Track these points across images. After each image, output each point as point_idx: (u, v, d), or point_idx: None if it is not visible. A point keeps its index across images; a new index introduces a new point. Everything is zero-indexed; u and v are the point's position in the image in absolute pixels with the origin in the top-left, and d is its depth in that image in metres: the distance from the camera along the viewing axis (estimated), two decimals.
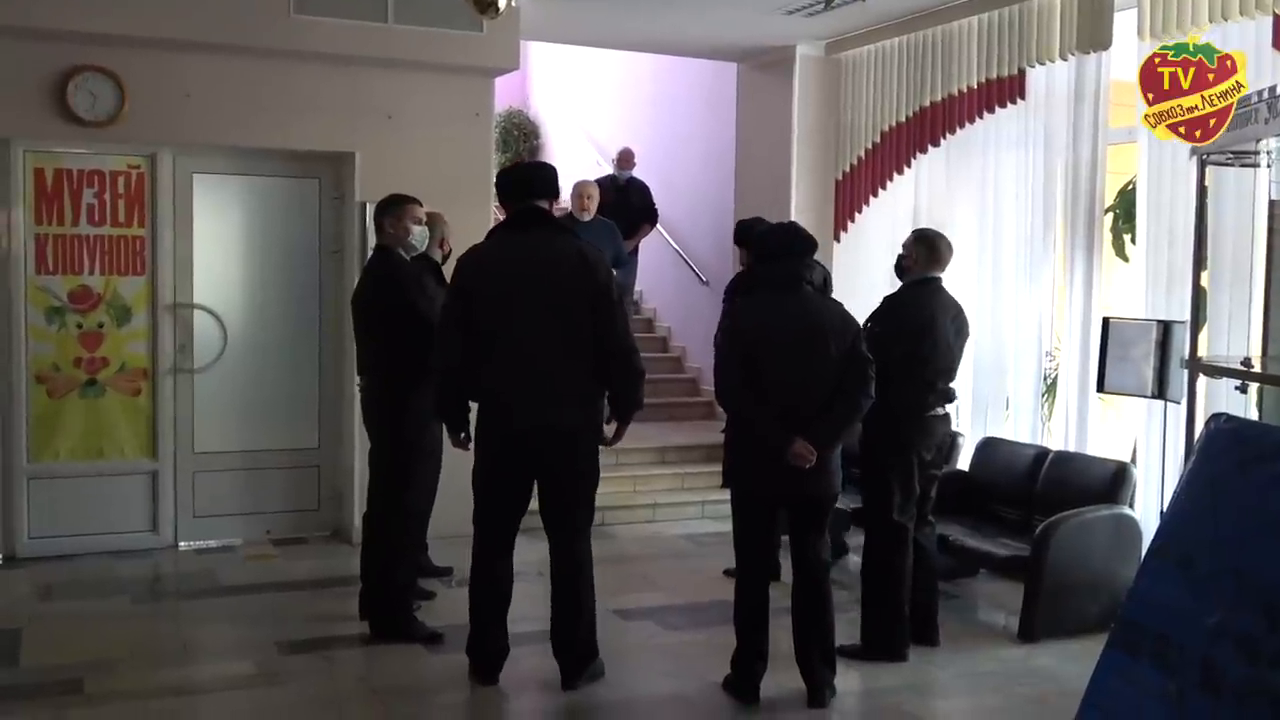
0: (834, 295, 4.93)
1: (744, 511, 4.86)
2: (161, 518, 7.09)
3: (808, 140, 8.42)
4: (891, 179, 7.83)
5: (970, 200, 7.38)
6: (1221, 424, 3.32)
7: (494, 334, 4.67)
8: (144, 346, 7.03)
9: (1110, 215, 7.18)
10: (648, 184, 9.93)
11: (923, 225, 7.63)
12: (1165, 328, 5.53)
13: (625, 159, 9.99)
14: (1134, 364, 5.64)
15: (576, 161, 12.53)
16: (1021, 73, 6.77)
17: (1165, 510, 3.39)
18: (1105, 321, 5.93)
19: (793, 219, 8.23)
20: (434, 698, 4.78)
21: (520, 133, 14.49)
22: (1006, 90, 6.86)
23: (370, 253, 5.72)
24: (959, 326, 5.36)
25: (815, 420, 4.64)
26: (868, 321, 5.24)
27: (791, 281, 4.74)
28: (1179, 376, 5.42)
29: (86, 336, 6.90)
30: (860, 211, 8.05)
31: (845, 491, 5.16)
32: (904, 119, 7.66)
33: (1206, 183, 5.19)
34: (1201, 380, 5.46)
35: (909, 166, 7.70)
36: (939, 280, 5.35)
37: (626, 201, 9.69)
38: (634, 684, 5.00)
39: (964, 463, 6.91)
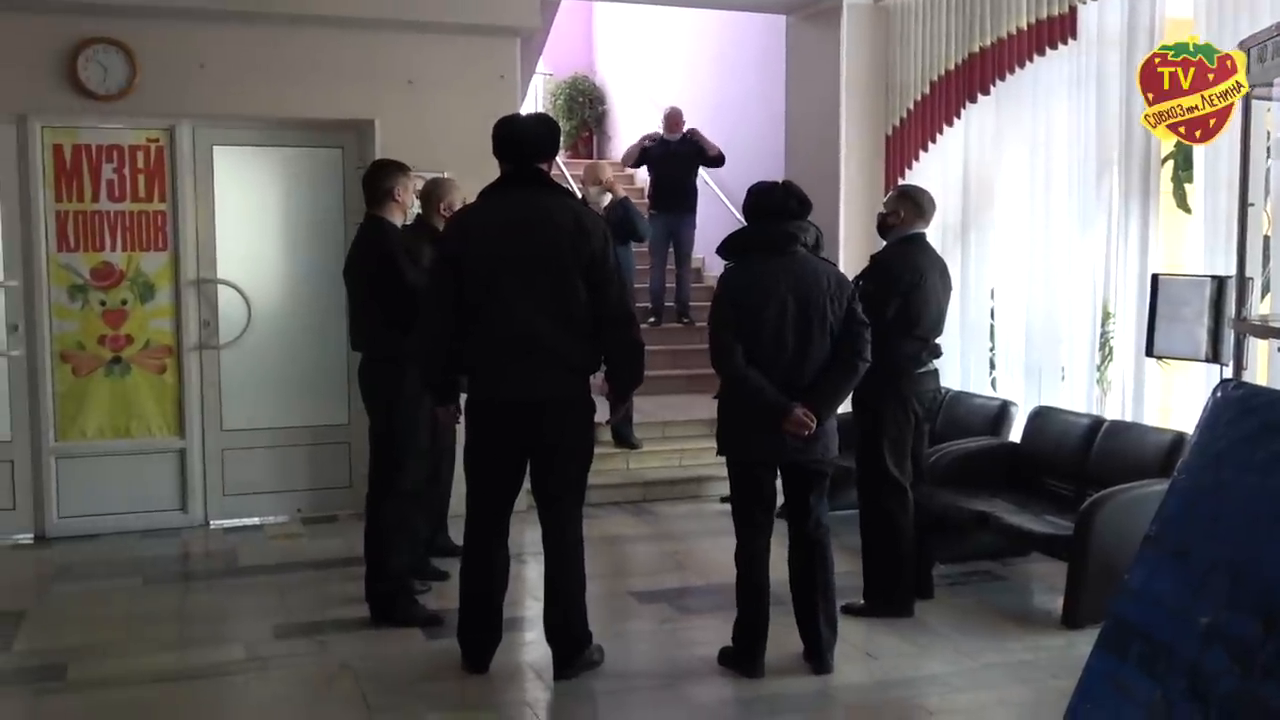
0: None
1: (741, 480, 4.67)
2: (191, 496, 7.01)
3: (857, 93, 7.94)
4: (941, 132, 7.34)
5: (1020, 152, 6.89)
6: (1230, 391, 2.90)
7: (483, 300, 4.39)
8: (168, 323, 6.94)
9: (1169, 163, 6.61)
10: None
11: (973, 181, 7.22)
12: (1219, 284, 5.00)
13: (674, 122, 9.73)
14: (1186, 325, 5.13)
15: (643, 127, 12.20)
16: (1072, 10, 6.26)
17: (1166, 492, 2.98)
18: (1154, 279, 5.41)
19: (840, 176, 7.86)
20: (416, 686, 4.53)
21: (585, 99, 14.17)
22: (1057, 30, 6.34)
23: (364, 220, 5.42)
24: (946, 281, 5.36)
25: (812, 386, 4.49)
26: (858, 279, 5.14)
27: (785, 243, 4.54)
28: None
29: (110, 314, 6.83)
30: (910, 167, 7.57)
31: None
32: (953, 66, 7.16)
33: (1269, 124, 4.68)
34: (1265, 344, 4.97)
35: (958, 118, 7.21)
36: (924, 235, 5.34)
37: (682, 152, 9.67)
38: (631, 672, 4.70)
39: (1016, 434, 6.45)
